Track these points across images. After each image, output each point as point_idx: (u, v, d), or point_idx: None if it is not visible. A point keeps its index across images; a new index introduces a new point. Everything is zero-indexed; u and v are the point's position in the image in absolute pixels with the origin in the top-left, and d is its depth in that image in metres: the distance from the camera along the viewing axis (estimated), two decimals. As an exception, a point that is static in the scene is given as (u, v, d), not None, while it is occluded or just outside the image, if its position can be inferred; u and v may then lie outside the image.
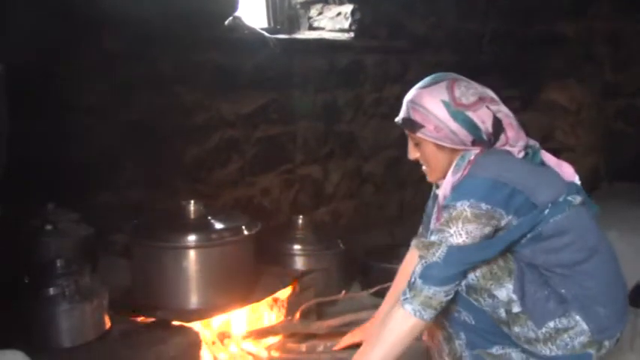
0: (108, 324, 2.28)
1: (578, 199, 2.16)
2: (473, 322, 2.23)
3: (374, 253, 3.79)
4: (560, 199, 2.12)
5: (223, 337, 2.71)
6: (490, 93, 2.22)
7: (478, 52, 5.66)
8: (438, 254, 2.05)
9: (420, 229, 2.58)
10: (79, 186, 2.84)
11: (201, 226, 2.61)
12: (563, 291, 2.15)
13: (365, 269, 3.70)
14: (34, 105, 2.64)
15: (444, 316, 2.26)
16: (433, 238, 2.08)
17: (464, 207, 2.04)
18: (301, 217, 3.57)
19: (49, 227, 2.55)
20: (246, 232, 2.64)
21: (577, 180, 2.25)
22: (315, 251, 3.42)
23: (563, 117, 6.22)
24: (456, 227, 2.04)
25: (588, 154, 6.19)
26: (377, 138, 4.86)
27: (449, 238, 2.04)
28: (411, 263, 2.27)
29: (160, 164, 3.27)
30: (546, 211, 2.09)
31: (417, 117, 2.19)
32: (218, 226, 2.63)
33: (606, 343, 2.19)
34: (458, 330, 2.27)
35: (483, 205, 2.03)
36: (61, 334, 2.14)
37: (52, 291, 2.13)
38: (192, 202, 2.66)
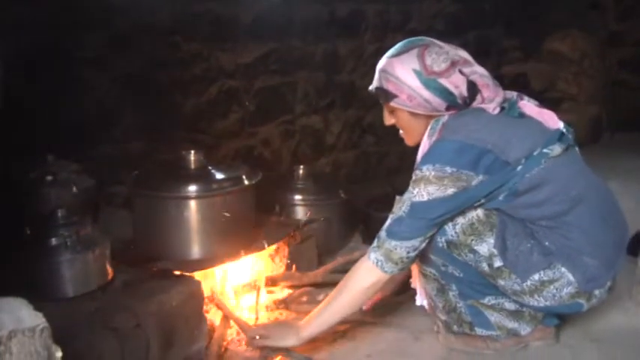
0: (110, 274, 2.29)
1: (557, 149, 2.13)
2: (461, 275, 2.25)
3: (375, 203, 3.80)
4: (535, 153, 2.09)
5: (224, 288, 2.74)
6: (463, 54, 2.18)
7: (480, 1, 5.59)
8: (403, 209, 2.11)
9: None
10: (79, 138, 2.83)
11: (201, 176, 2.61)
12: (547, 243, 2.15)
13: (366, 219, 3.71)
14: (32, 56, 2.62)
15: (435, 270, 2.30)
16: (403, 196, 2.13)
17: (428, 170, 2.06)
18: (302, 167, 3.56)
19: (49, 178, 2.54)
20: (246, 182, 2.63)
21: (561, 126, 2.21)
22: (315, 201, 3.42)
23: (565, 66, 6.17)
24: (418, 188, 2.07)
25: (591, 104, 6.16)
26: (378, 88, 4.83)
27: (411, 198, 2.09)
28: None
29: (160, 115, 3.25)
30: (519, 168, 2.07)
31: (389, 87, 2.18)
32: (219, 176, 2.63)
33: (596, 292, 2.19)
34: (449, 282, 2.30)
35: (448, 169, 2.04)
36: (63, 284, 2.14)
37: (53, 241, 2.13)
38: (192, 152, 2.65)
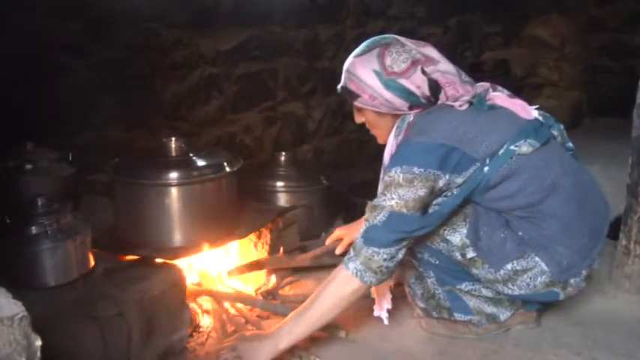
0: (92, 262, 2.27)
1: (526, 146, 2.11)
2: (437, 262, 2.26)
3: (357, 189, 3.80)
4: (501, 152, 2.09)
5: (207, 273, 2.74)
6: (428, 52, 2.15)
7: (461, -13, 5.59)
8: (379, 218, 2.07)
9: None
10: (58, 125, 2.81)
11: (182, 163, 2.59)
12: (520, 233, 2.16)
13: (348, 205, 3.71)
14: (8, 44, 2.59)
15: (412, 257, 2.31)
16: (375, 202, 2.10)
17: (397, 173, 2.05)
18: (284, 153, 3.56)
19: (28, 167, 2.52)
20: (228, 169, 2.62)
21: (535, 115, 2.22)
22: (297, 188, 3.42)
23: (546, 52, 6.19)
24: (390, 193, 2.05)
25: (571, 89, 6.19)
26: (359, 74, 4.82)
27: (382, 203, 2.06)
28: None
29: (140, 103, 3.23)
30: (486, 169, 2.08)
31: (352, 86, 2.19)
32: (200, 163, 2.61)
33: (572, 281, 2.20)
34: (427, 269, 2.31)
35: (415, 169, 2.03)
36: (44, 273, 2.12)
37: (34, 230, 2.10)
38: (173, 139, 2.63)
